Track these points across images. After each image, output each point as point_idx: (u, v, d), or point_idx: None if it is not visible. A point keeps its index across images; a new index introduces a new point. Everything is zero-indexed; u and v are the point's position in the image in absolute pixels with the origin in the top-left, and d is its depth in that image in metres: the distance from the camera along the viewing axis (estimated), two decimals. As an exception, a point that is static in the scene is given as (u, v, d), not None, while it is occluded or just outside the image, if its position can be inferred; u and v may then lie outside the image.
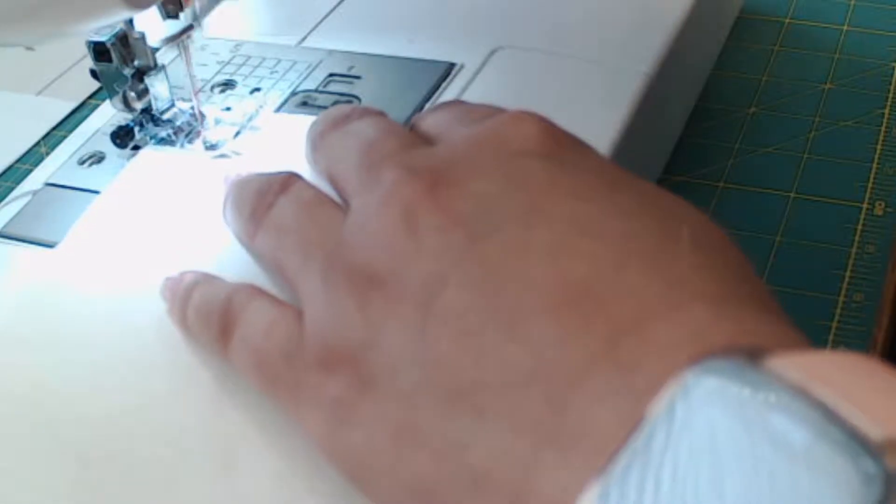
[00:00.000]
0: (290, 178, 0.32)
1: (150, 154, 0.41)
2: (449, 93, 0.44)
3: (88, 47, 0.40)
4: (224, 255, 0.34)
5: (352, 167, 0.30)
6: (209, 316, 0.30)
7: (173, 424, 0.30)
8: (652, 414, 0.19)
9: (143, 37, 0.40)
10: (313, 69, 0.46)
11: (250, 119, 0.42)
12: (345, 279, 0.27)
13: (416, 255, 0.25)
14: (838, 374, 0.19)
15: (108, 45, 0.40)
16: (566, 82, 0.44)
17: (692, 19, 0.48)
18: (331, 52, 0.47)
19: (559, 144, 0.27)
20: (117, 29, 0.40)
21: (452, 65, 0.45)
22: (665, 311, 0.22)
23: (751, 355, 0.19)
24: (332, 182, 0.32)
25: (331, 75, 0.46)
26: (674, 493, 0.18)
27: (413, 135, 0.32)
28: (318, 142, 0.34)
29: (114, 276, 0.34)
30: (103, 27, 0.39)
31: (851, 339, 0.40)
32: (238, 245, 0.34)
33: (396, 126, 0.32)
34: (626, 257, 0.24)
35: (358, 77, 0.46)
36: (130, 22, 0.40)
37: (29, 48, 0.37)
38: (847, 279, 0.42)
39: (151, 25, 0.40)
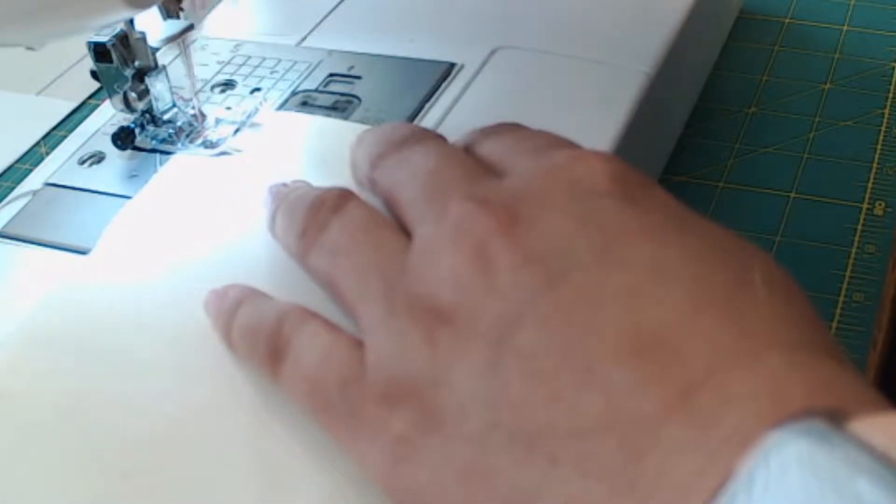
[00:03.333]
0: (345, 196, 0.31)
1: (183, 159, 0.40)
2: (449, 93, 0.44)
3: (89, 48, 0.40)
4: (261, 263, 0.34)
5: (416, 194, 0.30)
6: (256, 337, 0.29)
7: (216, 438, 0.29)
8: (737, 475, 0.19)
9: (143, 37, 0.40)
10: (313, 69, 0.46)
11: (249, 116, 0.42)
12: (411, 312, 0.26)
13: (489, 293, 0.25)
14: None
15: (109, 45, 0.40)
16: (566, 82, 0.44)
17: (692, 19, 0.48)
18: (331, 52, 0.47)
19: (628, 183, 0.27)
20: (118, 29, 0.40)
21: (452, 65, 0.45)
22: (740, 361, 0.22)
23: (833, 417, 0.20)
24: (392, 206, 0.31)
25: (331, 75, 0.46)
26: None
27: (476, 163, 0.31)
28: (376, 162, 0.33)
29: (151, 284, 0.34)
30: (104, 27, 0.39)
31: (851, 339, 0.40)
32: (275, 253, 0.33)
33: (458, 152, 0.32)
34: (700, 304, 0.23)
35: (358, 77, 0.46)
36: (131, 22, 0.40)
37: (29, 48, 0.37)
38: (847, 279, 0.42)
39: (152, 25, 0.40)
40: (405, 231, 0.29)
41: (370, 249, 0.29)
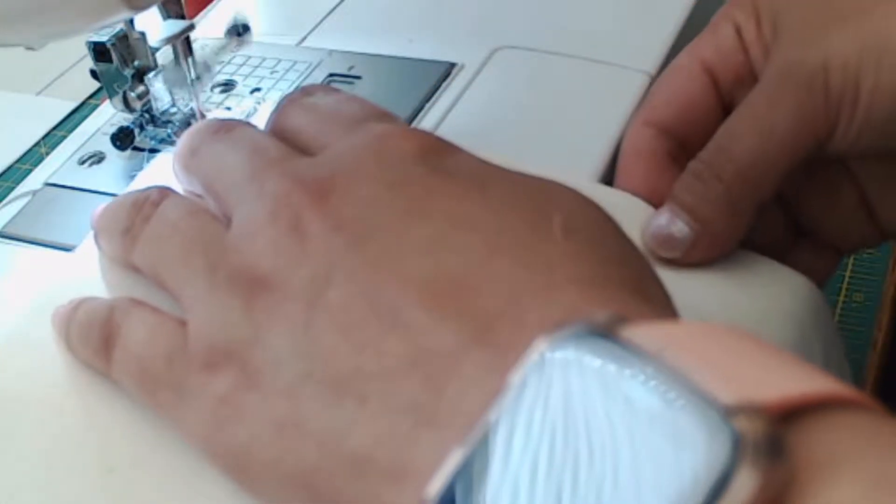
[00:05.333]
0: (165, 191, 0.32)
1: (169, 156, 0.40)
2: (449, 93, 0.44)
3: (88, 47, 0.40)
4: None
5: (234, 179, 0.31)
6: (90, 329, 0.30)
7: None
8: (511, 384, 0.20)
9: (143, 37, 0.40)
10: (313, 69, 0.46)
11: (249, 116, 0.42)
12: (230, 282, 0.27)
13: (303, 257, 0.26)
14: (695, 342, 0.20)
15: (109, 45, 0.40)
16: (566, 82, 0.44)
17: (693, 19, 0.48)
18: (331, 52, 0.47)
19: (435, 151, 0.28)
20: (117, 29, 0.40)
21: (452, 65, 0.46)
22: (536, 295, 0.24)
23: (609, 325, 0.20)
24: (211, 192, 0.32)
25: (331, 75, 0.46)
26: (535, 458, 0.19)
27: (286, 147, 0.31)
28: (198, 150, 0.33)
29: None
30: (103, 27, 0.39)
31: (851, 339, 0.40)
32: None
33: (268, 137, 0.32)
34: (497, 249, 0.25)
35: (358, 77, 0.46)
36: (131, 22, 0.40)
37: (29, 48, 0.37)
38: (847, 279, 0.42)
39: (152, 25, 0.40)
40: (227, 218, 0.30)
41: (192, 235, 0.30)
